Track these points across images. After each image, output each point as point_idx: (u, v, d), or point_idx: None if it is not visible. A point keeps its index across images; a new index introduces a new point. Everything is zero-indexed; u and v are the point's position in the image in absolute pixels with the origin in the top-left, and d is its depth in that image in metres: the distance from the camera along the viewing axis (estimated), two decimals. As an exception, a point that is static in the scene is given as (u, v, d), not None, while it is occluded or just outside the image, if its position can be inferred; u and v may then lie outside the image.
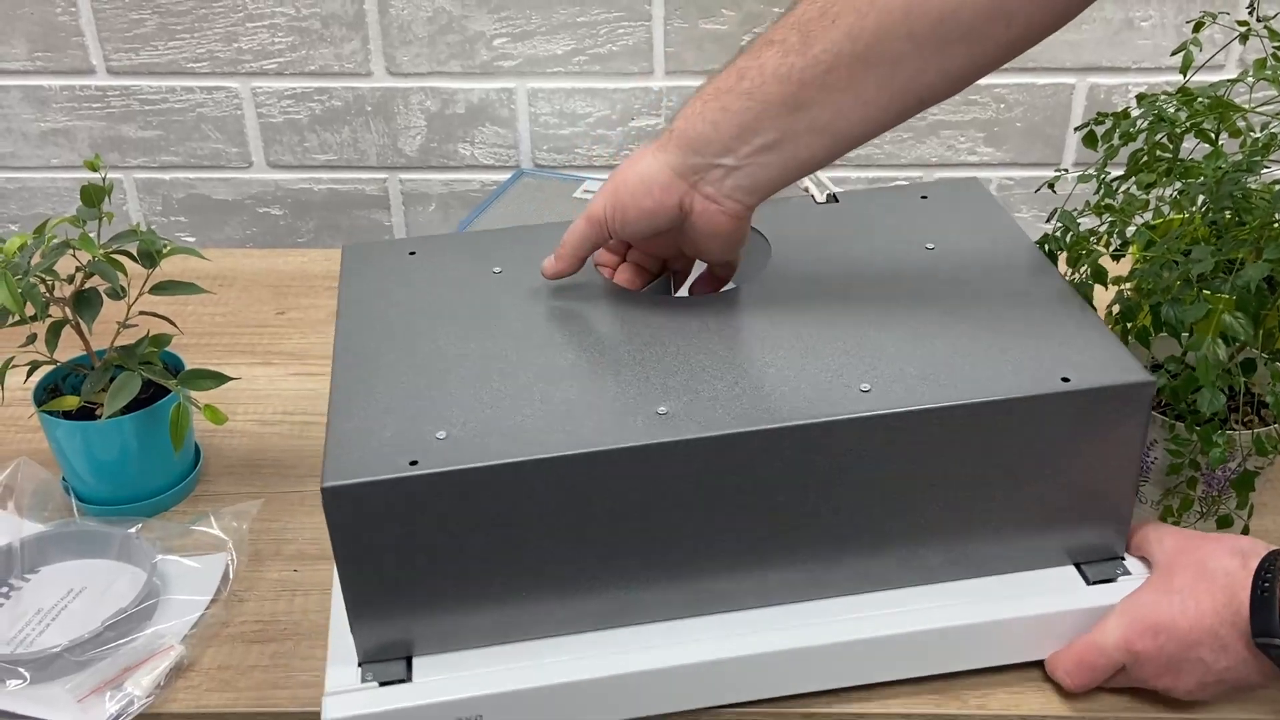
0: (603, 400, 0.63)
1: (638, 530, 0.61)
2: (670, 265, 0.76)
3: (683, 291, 0.77)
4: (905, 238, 0.76)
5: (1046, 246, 0.78)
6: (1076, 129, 0.90)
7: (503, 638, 0.64)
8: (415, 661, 0.63)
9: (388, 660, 0.63)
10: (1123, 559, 0.68)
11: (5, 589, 0.74)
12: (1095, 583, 0.67)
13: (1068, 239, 0.77)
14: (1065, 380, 0.62)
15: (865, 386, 0.62)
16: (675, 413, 0.60)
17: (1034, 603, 0.66)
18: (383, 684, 0.62)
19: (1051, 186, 0.80)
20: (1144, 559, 0.68)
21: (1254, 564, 0.60)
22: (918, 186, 0.84)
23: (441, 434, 0.60)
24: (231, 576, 0.75)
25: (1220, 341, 0.64)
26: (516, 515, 0.60)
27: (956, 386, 0.62)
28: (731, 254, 0.73)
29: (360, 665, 0.63)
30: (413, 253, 0.77)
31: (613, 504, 0.60)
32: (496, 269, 0.74)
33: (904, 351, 0.65)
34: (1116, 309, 0.76)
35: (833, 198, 0.81)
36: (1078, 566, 0.68)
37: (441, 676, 0.62)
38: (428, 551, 0.60)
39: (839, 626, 0.64)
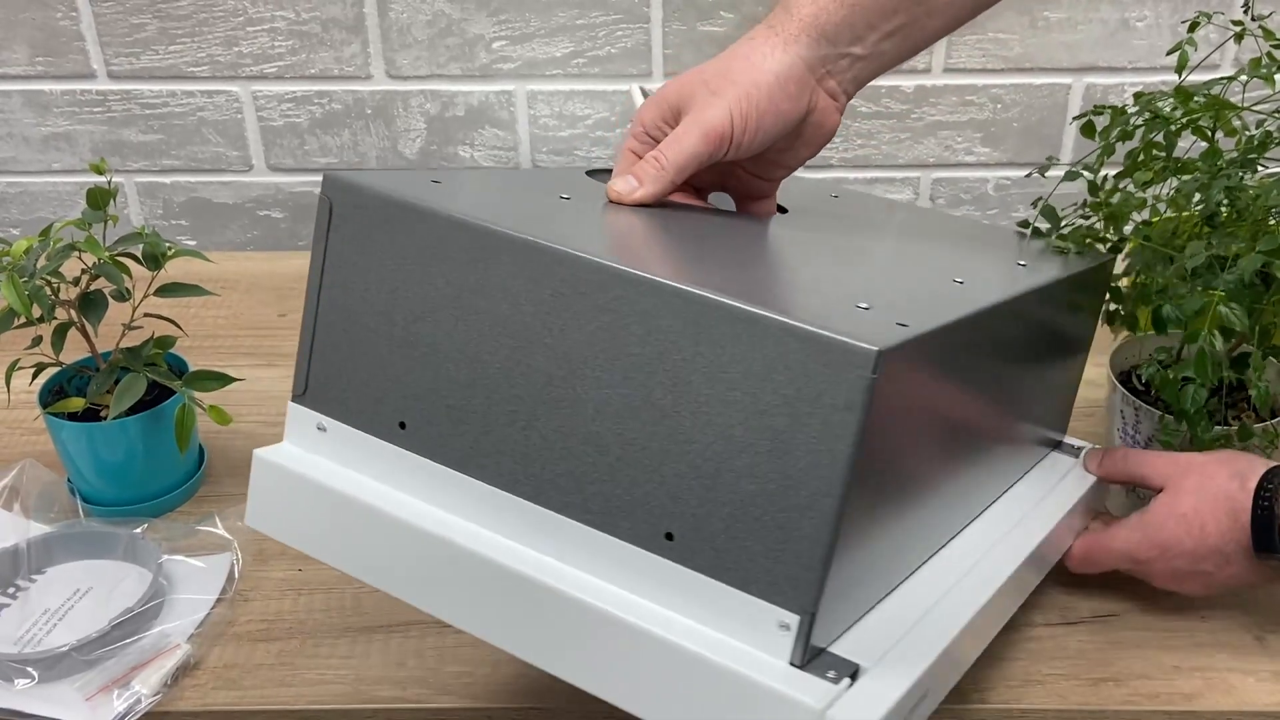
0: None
1: None
2: (706, 193, 0.70)
3: None
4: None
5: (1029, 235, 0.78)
6: (1074, 119, 0.91)
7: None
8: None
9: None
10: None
11: (12, 590, 0.74)
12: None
13: (1053, 233, 0.78)
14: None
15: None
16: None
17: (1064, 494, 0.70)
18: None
19: (1043, 173, 0.81)
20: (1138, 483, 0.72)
21: (1252, 484, 0.64)
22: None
23: None
24: (237, 576, 0.76)
25: (1216, 334, 0.65)
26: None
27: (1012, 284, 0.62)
28: (805, 160, 0.68)
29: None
30: (436, 181, 0.60)
31: None
32: (565, 195, 0.64)
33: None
34: (1113, 305, 0.77)
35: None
36: (1058, 447, 0.73)
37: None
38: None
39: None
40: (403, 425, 0.56)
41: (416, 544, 0.54)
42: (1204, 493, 0.66)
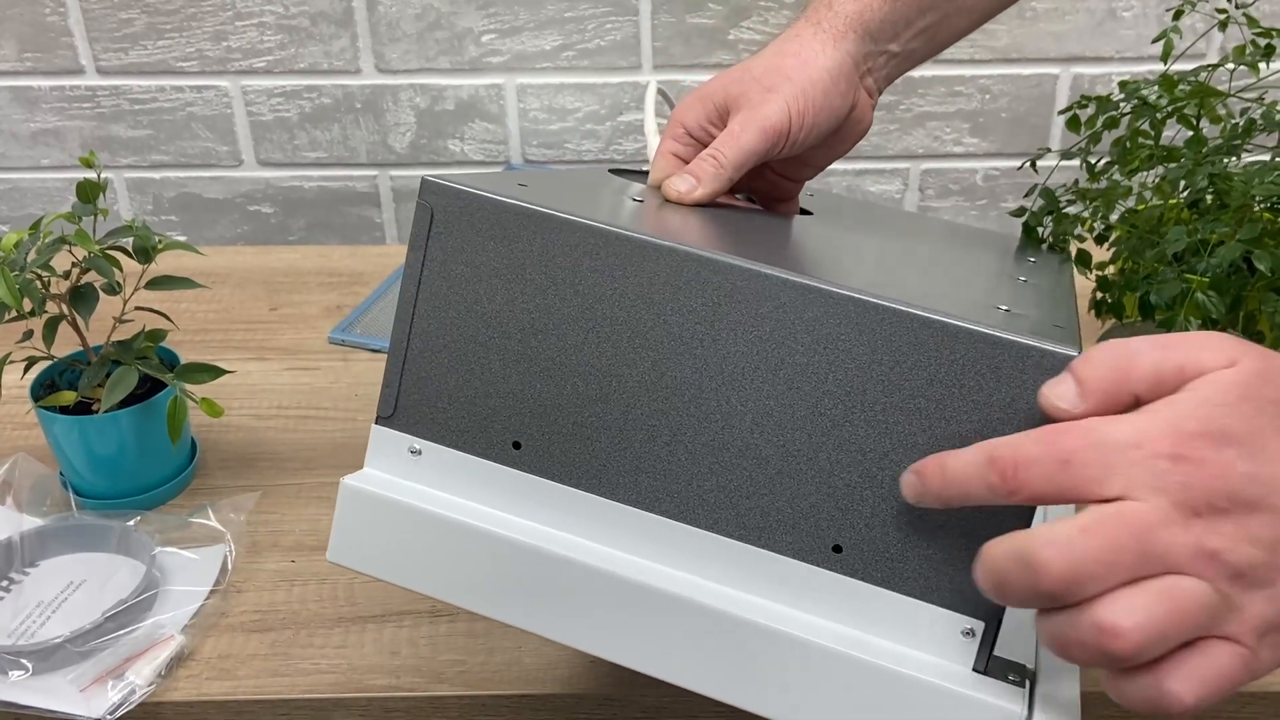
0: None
1: None
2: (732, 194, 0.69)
3: None
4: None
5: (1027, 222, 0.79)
6: (1060, 112, 0.91)
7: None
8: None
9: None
10: None
11: (6, 583, 0.74)
12: None
13: (1049, 218, 0.78)
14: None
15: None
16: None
17: None
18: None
19: (1033, 165, 0.82)
20: None
21: None
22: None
23: None
24: (230, 568, 0.76)
25: (1193, 321, 0.65)
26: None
27: None
28: (835, 159, 0.68)
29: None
30: (523, 185, 0.58)
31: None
32: (637, 197, 0.63)
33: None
34: (1099, 294, 0.78)
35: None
36: None
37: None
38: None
39: None
40: (517, 445, 0.52)
41: (547, 570, 0.51)
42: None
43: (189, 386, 0.78)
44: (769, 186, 0.70)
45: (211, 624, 0.72)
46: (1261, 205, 0.71)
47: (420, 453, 0.54)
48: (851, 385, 0.47)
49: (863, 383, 0.47)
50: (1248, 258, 0.68)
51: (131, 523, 0.77)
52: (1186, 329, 0.65)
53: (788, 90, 0.61)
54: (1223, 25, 0.79)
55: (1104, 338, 0.82)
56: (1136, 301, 0.71)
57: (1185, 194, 0.74)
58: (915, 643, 0.48)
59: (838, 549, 0.49)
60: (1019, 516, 0.46)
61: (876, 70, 0.64)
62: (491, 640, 0.70)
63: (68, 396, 0.78)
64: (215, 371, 0.79)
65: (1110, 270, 0.79)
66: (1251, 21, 0.77)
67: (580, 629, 0.51)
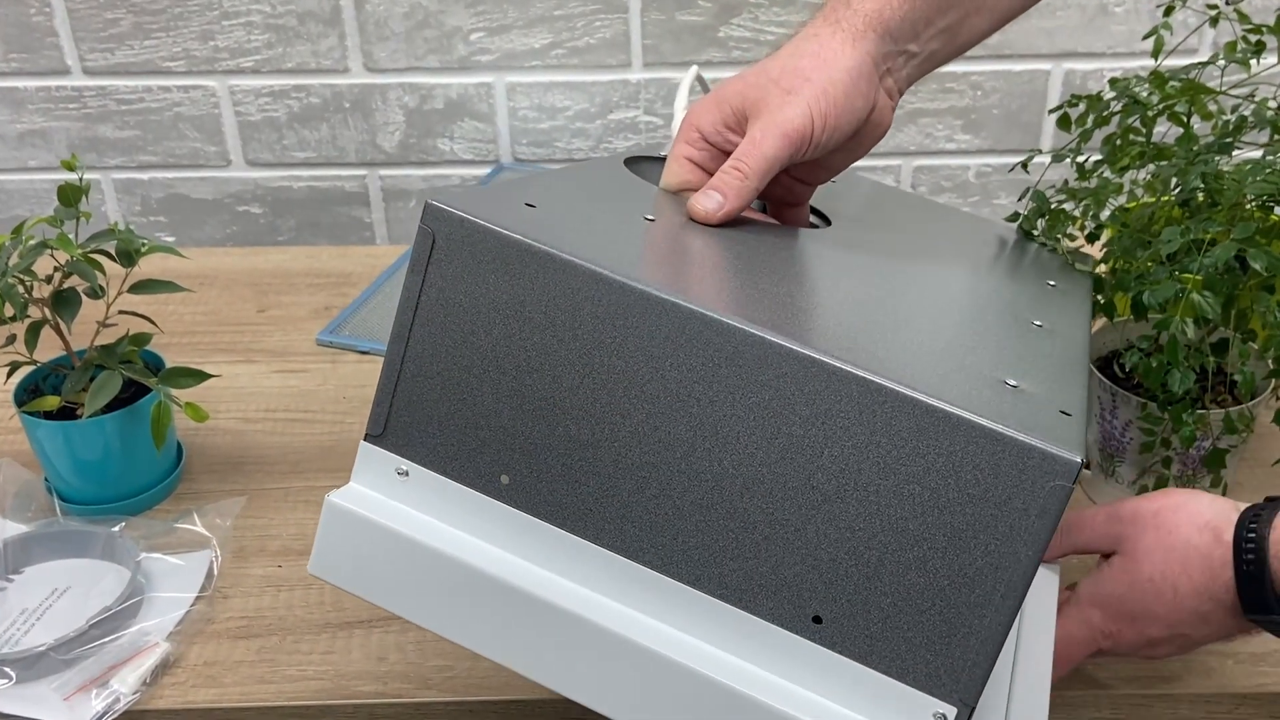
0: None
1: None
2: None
3: None
4: None
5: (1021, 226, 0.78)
6: (1051, 111, 0.91)
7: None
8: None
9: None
10: None
11: (-11, 590, 0.74)
12: None
13: (1042, 220, 0.78)
14: None
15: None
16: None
17: None
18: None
19: (1025, 167, 0.81)
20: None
21: (1229, 536, 0.57)
22: None
23: None
24: (216, 573, 0.75)
25: (1188, 321, 0.65)
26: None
27: None
28: (852, 164, 0.66)
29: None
30: (530, 205, 0.56)
31: None
32: (649, 216, 0.60)
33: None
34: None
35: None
36: None
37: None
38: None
39: None
40: (505, 479, 0.52)
41: (521, 607, 0.51)
42: (1169, 551, 0.58)
43: (174, 391, 0.77)
44: (783, 191, 0.68)
45: (197, 630, 0.71)
46: (1254, 203, 0.70)
47: (408, 474, 0.54)
48: (846, 463, 0.47)
49: (858, 461, 0.47)
50: (1240, 256, 0.67)
51: (116, 528, 0.77)
52: (1182, 328, 0.65)
53: (808, 92, 0.59)
54: (1214, 21, 0.78)
55: (1095, 338, 0.82)
56: (1129, 301, 0.70)
57: (1177, 192, 0.73)
58: (883, 719, 0.48)
59: (818, 619, 0.48)
60: (1005, 609, 0.45)
61: (896, 71, 0.63)
62: (479, 646, 0.70)
63: (51, 401, 0.77)
64: (199, 376, 0.78)
65: (1101, 269, 0.78)
66: (1243, 17, 0.77)
67: (548, 667, 0.51)
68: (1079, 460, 0.44)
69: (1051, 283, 0.70)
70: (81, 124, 1.23)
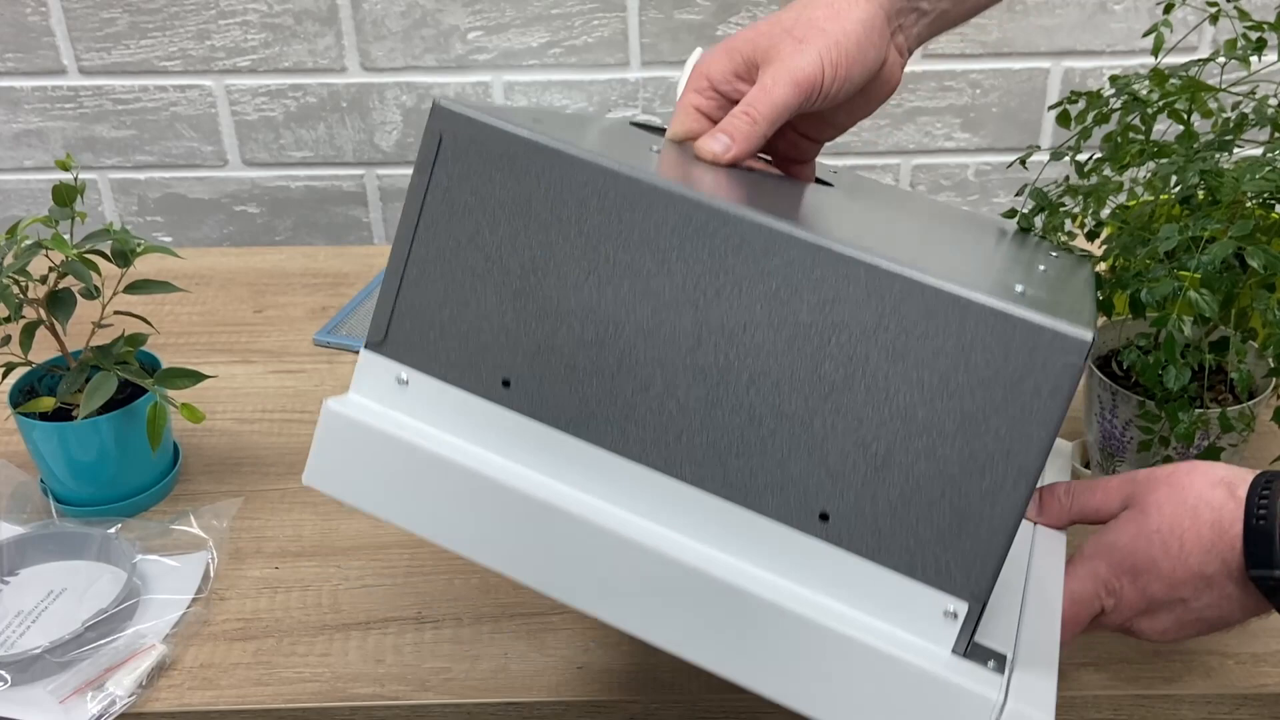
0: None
1: None
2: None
3: None
4: None
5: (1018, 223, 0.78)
6: (1050, 108, 0.90)
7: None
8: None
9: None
10: None
11: (-16, 592, 0.73)
12: None
13: (1040, 217, 0.77)
14: None
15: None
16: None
17: None
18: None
19: (1023, 163, 0.81)
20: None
21: (1243, 492, 0.55)
22: None
23: None
24: (212, 575, 0.75)
25: (1185, 319, 0.65)
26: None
27: None
28: (859, 120, 0.67)
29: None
30: (537, 120, 0.55)
31: None
32: (655, 148, 0.60)
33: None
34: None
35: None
36: None
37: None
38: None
39: None
40: (506, 383, 0.51)
41: (524, 512, 0.49)
42: (1180, 504, 0.57)
43: (170, 391, 0.77)
44: (788, 146, 0.68)
45: (193, 633, 0.71)
46: (1253, 201, 0.70)
47: (407, 383, 0.53)
48: (855, 351, 0.46)
49: (866, 349, 0.46)
50: (1239, 254, 0.67)
51: (112, 530, 0.76)
52: (1179, 326, 0.64)
53: (820, 41, 0.59)
54: (1214, 19, 0.78)
55: (1096, 336, 0.81)
56: (1127, 299, 0.70)
57: (1177, 190, 0.73)
58: (895, 619, 0.47)
59: (824, 516, 0.48)
60: (1017, 495, 0.44)
61: (908, 28, 0.63)
62: (477, 647, 0.69)
63: (47, 402, 0.77)
64: (195, 376, 0.78)
65: (1101, 267, 0.78)
66: (1243, 15, 0.77)
67: (549, 573, 0.50)
68: (1089, 337, 0.44)
69: (1054, 253, 0.70)
70: (78, 124, 1.22)
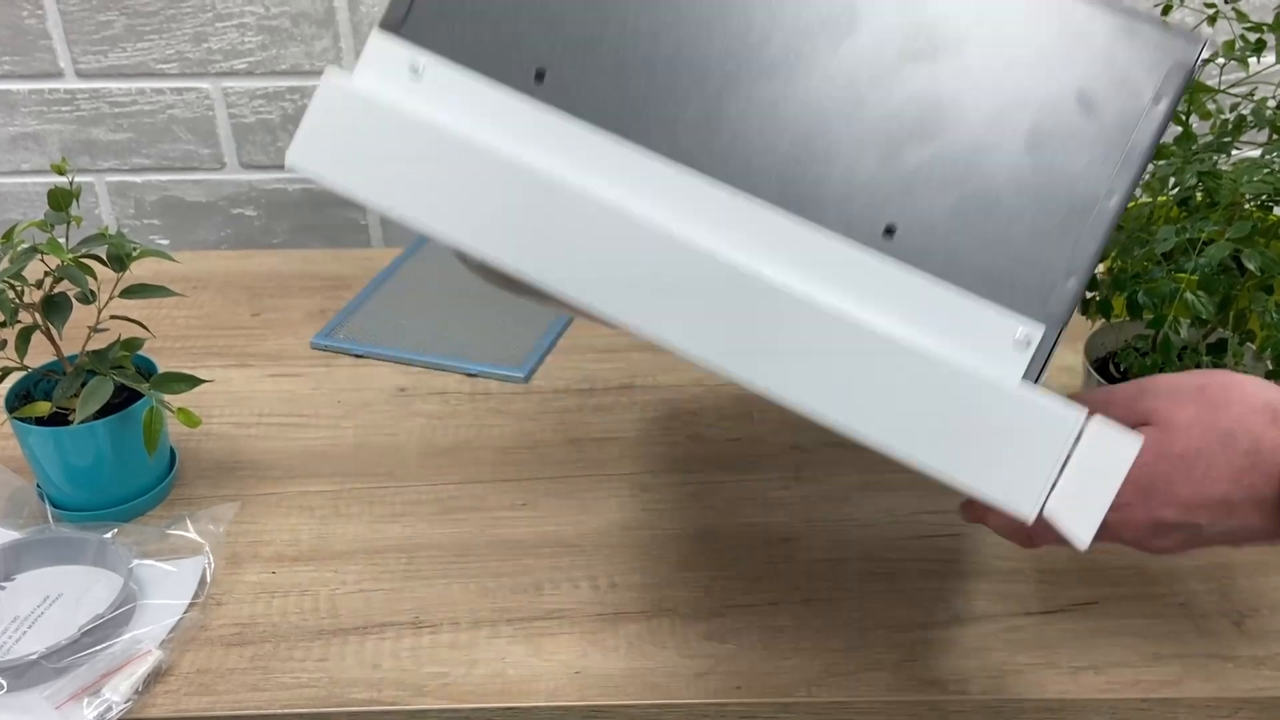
0: None
1: None
2: None
3: None
4: None
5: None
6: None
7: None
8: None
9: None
10: None
11: (-20, 598, 0.73)
12: None
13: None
14: None
15: None
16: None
17: None
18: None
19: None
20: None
21: None
22: None
23: None
24: (209, 580, 0.75)
25: (1182, 321, 0.65)
26: None
27: None
28: None
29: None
30: None
31: None
32: None
33: None
34: (1087, 293, 0.77)
35: None
36: None
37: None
38: None
39: None
40: (540, 75, 0.45)
41: (554, 205, 0.44)
42: (1210, 429, 0.51)
43: (166, 396, 0.77)
44: None
45: (190, 638, 0.71)
46: (1251, 203, 0.70)
47: (420, 72, 0.47)
48: (942, 49, 0.41)
49: (957, 47, 0.41)
50: (1237, 256, 0.67)
51: (109, 535, 0.76)
52: (1175, 328, 0.64)
53: None
54: (1212, 20, 0.78)
55: (1093, 338, 0.81)
56: (1124, 301, 0.70)
57: (1175, 191, 0.73)
58: (963, 343, 0.43)
59: (890, 231, 0.43)
60: (1110, 211, 0.41)
61: None
62: (475, 652, 0.69)
63: (43, 407, 0.77)
64: (192, 381, 0.78)
65: (1099, 269, 0.78)
66: (1241, 16, 0.76)
67: (576, 275, 0.44)
68: (1200, 45, 0.41)
69: None
70: (74, 127, 1.22)
